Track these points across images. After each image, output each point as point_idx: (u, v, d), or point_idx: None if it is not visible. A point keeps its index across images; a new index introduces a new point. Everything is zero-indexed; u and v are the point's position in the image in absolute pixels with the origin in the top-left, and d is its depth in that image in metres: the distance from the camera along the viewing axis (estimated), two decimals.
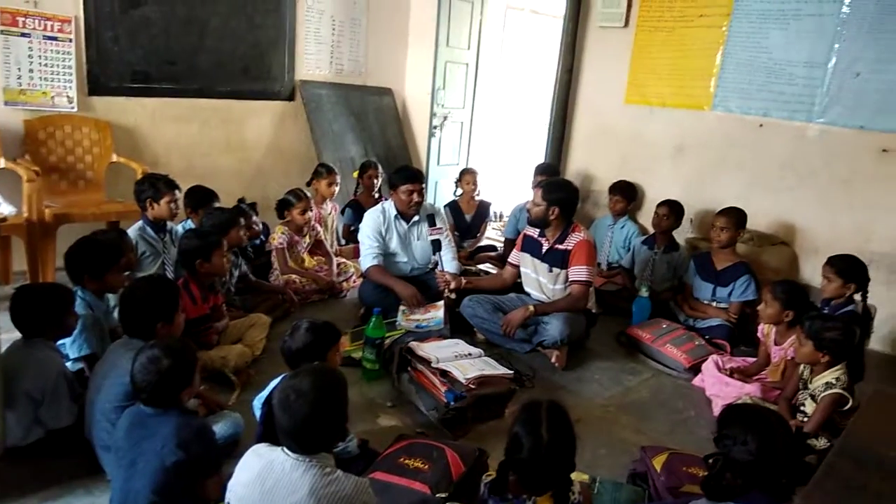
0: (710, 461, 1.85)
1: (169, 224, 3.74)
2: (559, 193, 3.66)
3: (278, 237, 4.25)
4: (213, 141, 5.10)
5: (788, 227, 4.57)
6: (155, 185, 3.59)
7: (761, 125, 4.60)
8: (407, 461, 2.30)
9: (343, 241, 5.10)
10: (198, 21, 4.82)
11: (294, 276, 4.21)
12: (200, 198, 3.91)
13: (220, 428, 2.40)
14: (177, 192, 3.66)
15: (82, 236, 2.92)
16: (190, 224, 3.89)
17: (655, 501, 2.32)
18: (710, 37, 4.75)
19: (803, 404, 2.92)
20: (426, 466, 2.27)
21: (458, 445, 2.43)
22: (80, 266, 2.76)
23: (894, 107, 4.03)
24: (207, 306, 3.11)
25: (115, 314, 2.87)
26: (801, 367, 2.99)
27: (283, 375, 2.34)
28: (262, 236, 4.37)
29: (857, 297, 3.48)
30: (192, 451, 1.88)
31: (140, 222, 3.64)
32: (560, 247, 3.70)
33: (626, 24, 5.12)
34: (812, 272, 4.44)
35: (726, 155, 4.79)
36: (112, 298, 2.99)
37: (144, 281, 2.56)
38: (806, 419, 2.85)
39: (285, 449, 1.74)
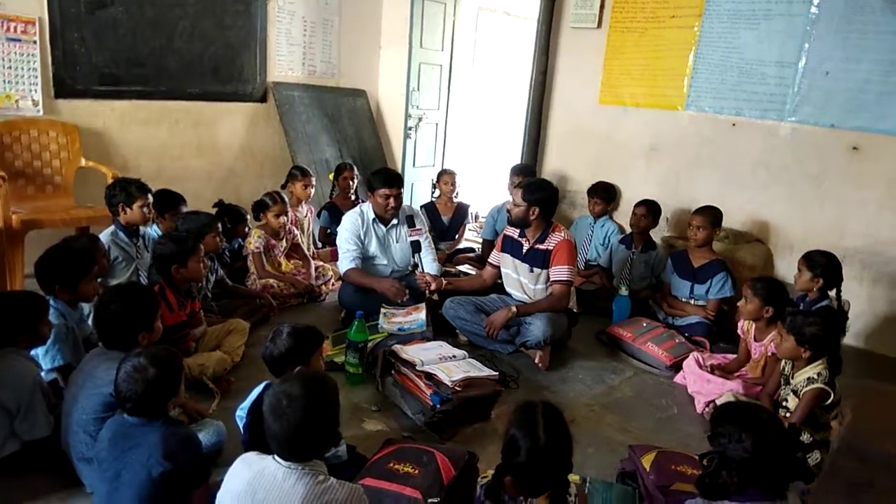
0: (705, 460, 1.84)
1: (141, 229, 3.64)
2: (540, 193, 3.66)
3: (254, 241, 4.17)
4: (184, 143, 5.00)
5: (763, 225, 4.64)
6: (127, 190, 3.49)
7: (734, 124, 4.67)
8: (397, 466, 2.25)
9: (320, 245, 5.03)
10: (166, 22, 4.72)
11: (272, 280, 4.14)
12: (167, 202, 3.83)
13: (203, 437, 2.33)
14: (149, 195, 3.57)
15: (53, 245, 2.82)
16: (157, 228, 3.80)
17: (647, 500, 2.31)
18: (682, 37, 4.80)
19: (786, 399, 2.95)
20: (416, 471, 2.23)
21: (448, 449, 2.39)
22: (51, 276, 2.66)
23: (863, 105, 4.12)
24: (184, 313, 3.03)
25: (90, 321, 2.78)
26: (782, 362, 3.03)
27: (264, 383, 2.30)
28: (240, 239, 4.29)
29: (832, 293, 3.54)
30: (179, 461, 1.82)
31: (112, 227, 3.53)
32: (541, 247, 3.70)
33: (599, 25, 5.14)
34: (787, 269, 4.50)
35: (700, 154, 4.84)
36: (86, 306, 2.90)
37: (120, 291, 2.47)
38: (788, 414, 2.88)
39: (276, 457, 1.69)
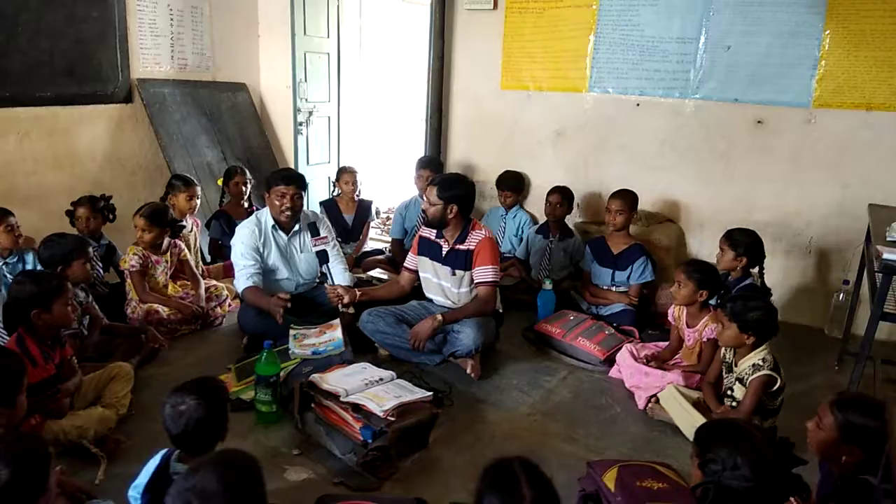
0: (699, 491, 1.62)
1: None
2: (457, 189, 3.37)
3: (130, 259, 3.59)
4: (38, 156, 4.30)
5: (673, 204, 4.59)
6: None
7: (638, 104, 4.57)
8: None
9: (209, 259, 4.51)
10: (4, 16, 4.00)
11: (156, 304, 3.59)
12: None
13: None
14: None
15: None
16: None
17: None
18: (580, 17, 4.64)
19: (731, 389, 2.84)
20: None
21: (391, 500, 2.06)
22: None
23: (765, 78, 4.12)
24: (52, 364, 2.48)
25: None
26: (723, 350, 2.92)
27: (161, 453, 1.88)
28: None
29: (755, 270, 3.49)
30: None
31: None
32: (461, 247, 3.41)
33: (496, 6, 4.89)
34: (699, 247, 4.50)
35: (607, 136, 4.72)
36: None
37: None
38: (735, 404, 2.78)
39: None
